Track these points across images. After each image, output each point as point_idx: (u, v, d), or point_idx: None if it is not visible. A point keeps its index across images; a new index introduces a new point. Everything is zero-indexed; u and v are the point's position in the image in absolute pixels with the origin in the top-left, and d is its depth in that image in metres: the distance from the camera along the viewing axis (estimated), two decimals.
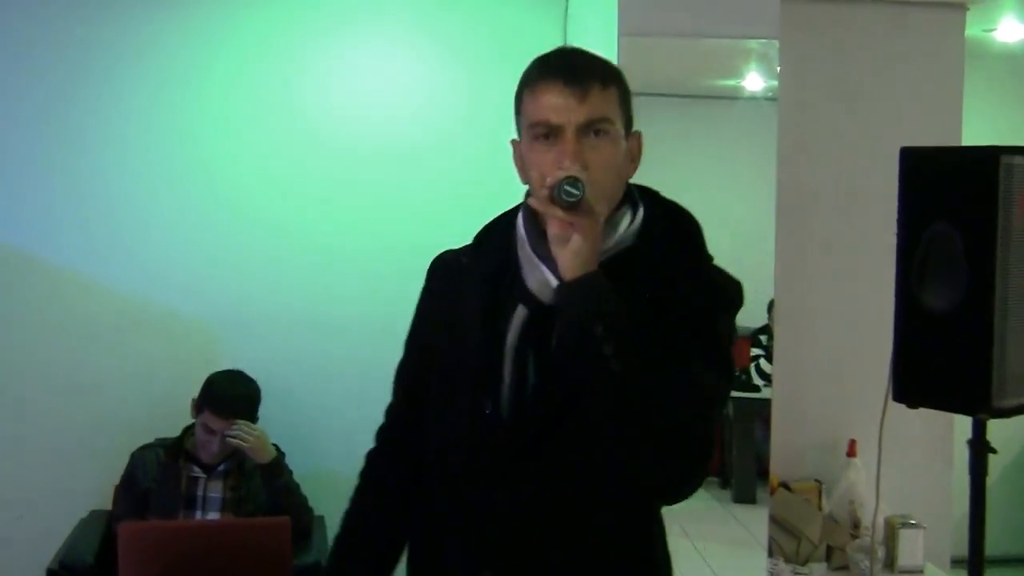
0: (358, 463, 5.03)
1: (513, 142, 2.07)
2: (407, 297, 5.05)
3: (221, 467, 4.33)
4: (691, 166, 4.56)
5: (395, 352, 4.88)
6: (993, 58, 6.25)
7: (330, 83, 4.90)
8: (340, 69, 4.91)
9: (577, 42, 4.79)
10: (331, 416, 4.89)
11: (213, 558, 3.54)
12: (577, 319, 1.82)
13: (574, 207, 1.83)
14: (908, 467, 4.44)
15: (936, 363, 2.41)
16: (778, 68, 4.16)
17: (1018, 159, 2.33)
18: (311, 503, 4.47)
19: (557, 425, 1.92)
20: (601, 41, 4.23)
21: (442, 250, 2.24)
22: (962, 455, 2.58)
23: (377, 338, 4.92)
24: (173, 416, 4.48)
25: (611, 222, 1.95)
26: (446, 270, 2.18)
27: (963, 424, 2.56)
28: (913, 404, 2.50)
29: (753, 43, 4.12)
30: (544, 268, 1.94)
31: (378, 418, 4.89)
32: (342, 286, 4.91)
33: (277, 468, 4.33)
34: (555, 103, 1.92)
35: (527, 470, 1.95)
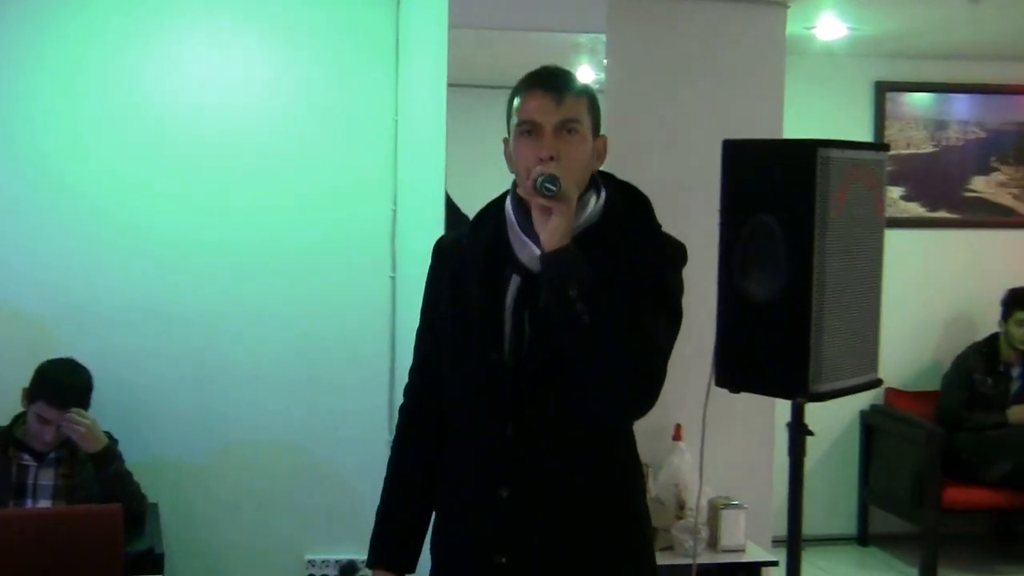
0: (193, 451, 4.99)
1: (504, 140, 2.51)
2: (240, 291, 5.01)
3: (52, 455, 4.23)
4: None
5: (229, 343, 4.83)
6: (813, 55, 6.44)
7: (171, 74, 4.83)
8: (181, 61, 4.84)
9: (408, 34, 4.78)
10: (165, 405, 4.83)
11: (43, 547, 3.46)
12: (555, 283, 2.29)
13: (552, 197, 2.29)
14: (731, 450, 4.55)
15: (757, 349, 2.46)
16: (605, 62, 4.21)
17: (835, 152, 2.39)
18: (145, 491, 4.40)
19: (550, 368, 2.40)
20: (432, 33, 4.22)
21: (442, 237, 2.72)
22: (782, 438, 2.64)
23: (210, 330, 4.87)
24: (1, 405, 4.38)
25: (580, 203, 2.41)
26: (447, 251, 2.63)
27: (783, 408, 2.63)
28: (735, 389, 2.54)
29: (582, 37, 4.17)
30: (531, 244, 2.41)
31: (211, 405, 4.84)
32: (178, 278, 4.84)
33: (108, 456, 4.25)
34: (537, 106, 2.41)
35: (529, 405, 2.43)
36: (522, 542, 2.47)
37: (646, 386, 2.35)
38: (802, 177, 2.36)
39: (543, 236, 2.32)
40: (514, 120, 2.46)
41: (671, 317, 2.44)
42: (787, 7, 4.64)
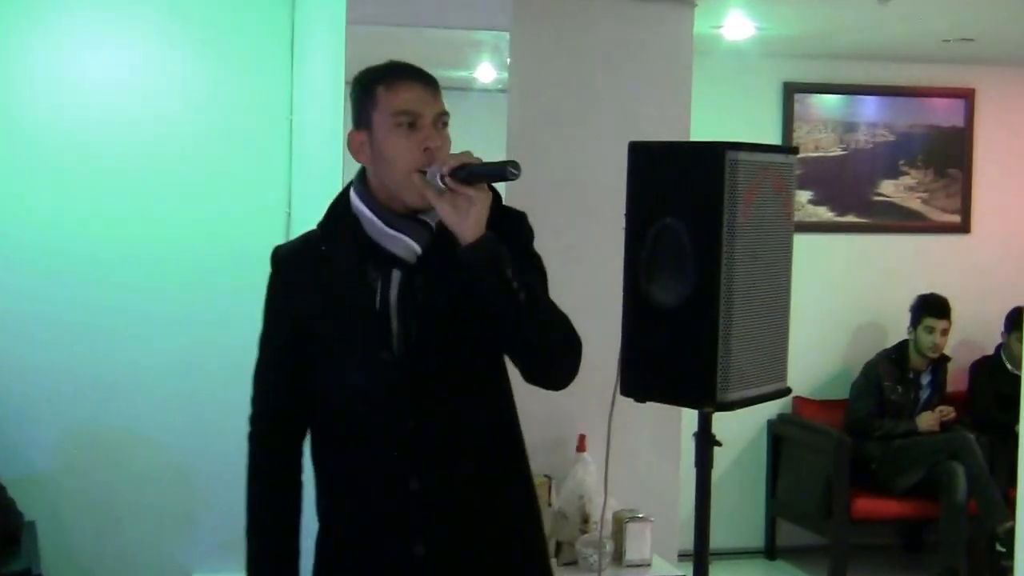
0: (72, 465, 4.88)
1: (352, 132, 2.56)
2: (123, 300, 4.91)
3: None
4: None
5: (110, 352, 4.73)
6: (720, 55, 6.51)
7: (48, 75, 4.72)
8: (57, 61, 4.73)
9: (305, 30, 4.75)
10: (42, 417, 4.73)
11: None
12: (493, 268, 2.37)
13: (470, 183, 2.37)
14: (637, 461, 4.58)
15: (663, 357, 2.47)
16: (508, 60, 4.22)
17: (743, 154, 2.41)
18: (22, 508, 4.31)
19: (443, 362, 2.52)
20: (329, 30, 4.19)
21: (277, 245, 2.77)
22: (689, 448, 2.66)
23: (91, 339, 4.78)
24: None
25: None
26: (297, 259, 2.66)
27: (690, 418, 2.65)
28: (641, 398, 2.55)
29: (485, 34, 4.17)
30: (406, 237, 2.50)
31: (91, 417, 4.72)
32: (55, 286, 4.73)
33: None
34: (416, 97, 2.47)
35: (428, 401, 2.52)
36: (434, 536, 2.54)
37: (578, 343, 2.54)
38: (709, 180, 2.38)
39: (464, 227, 2.38)
40: (381, 110, 2.50)
41: (545, 281, 2.61)
42: (694, 5, 4.68)
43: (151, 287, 4.84)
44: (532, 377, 2.56)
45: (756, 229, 2.45)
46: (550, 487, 4.35)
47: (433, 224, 2.51)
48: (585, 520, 4.35)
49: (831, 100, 7.08)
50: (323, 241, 2.62)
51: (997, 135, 7.23)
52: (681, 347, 2.44)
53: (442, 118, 2.51)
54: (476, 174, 2.40)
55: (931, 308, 6.70)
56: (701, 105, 4.91)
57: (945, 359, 6.81)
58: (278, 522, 2.67)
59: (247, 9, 4.89)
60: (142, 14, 4.82)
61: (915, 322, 6.74)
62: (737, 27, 5.86)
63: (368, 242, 2.55)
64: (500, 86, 4.24)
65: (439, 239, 2.50)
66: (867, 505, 6.44)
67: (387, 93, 2.50)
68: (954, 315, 6.75)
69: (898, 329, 6.86)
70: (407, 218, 2.53)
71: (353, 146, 2.57)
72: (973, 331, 7.15)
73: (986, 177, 7.28)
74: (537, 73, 4.51)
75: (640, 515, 4.33)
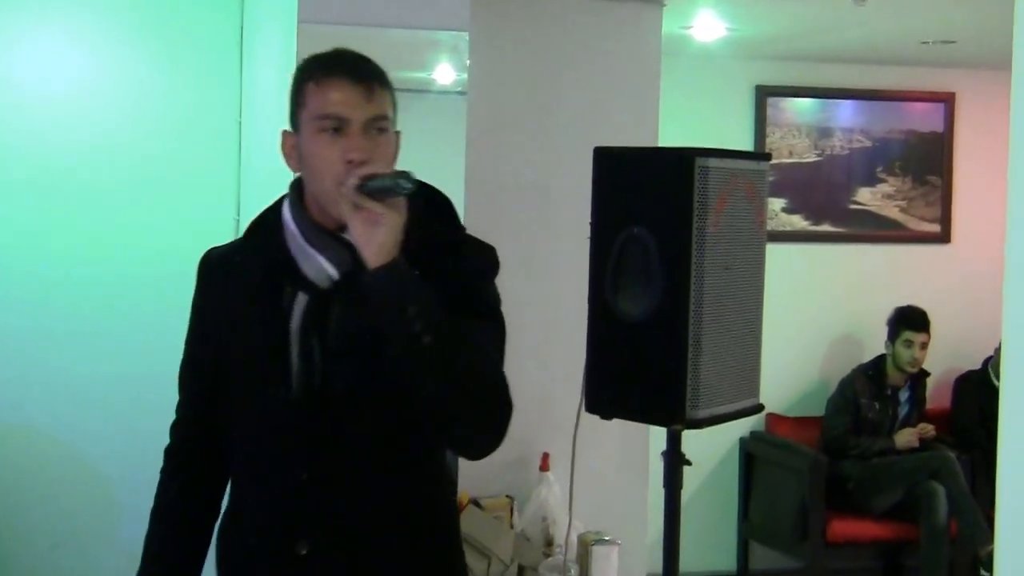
0: (1, 486, 4.80)
1: (285, 132, 2.37)
2: (67, 308, 4.87)
3: None
4: None
5: (46, 364, 4.70)
6: (690, 57, 6.53)
7: None
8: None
9: (254, 29, 4.74)
10: None
11: None
12: (392, 302, 2.12)
13: (382, 198, 2.14)
14: (603, 481, 4.58)
15: (630, 372, 2.48)
16: (468, 62, 4.23)
17: (713, 161, 2.42)
18: None
19: (348, 401, 2.28)
20: (279, 28, 4.19)
21: (208, 248, 2.56)
22: (657, 468, 2.66)
23: (26, 350, 4.75)
24: None
25: None
26: (218, 267, 2.48)
27: (659, 436, 2.65)
28: (607, 415, 2.56)
29: (443, 34, 4.17)
30: (320, 258, 2.30)
31: (21, 433, 4.70)
32: None
33: None
34: (344, 99, 2.24)
35: (325, 447, 2.30)
36: None
37: (504, 409, 2.23)
38: (678, 188, 2.39)
39: (369, 249, 2.15)
40: (308, 112, 2.30)
41: (497, 328, 2.34)
42: (663, 5, 4.69)
43: (97, 295, 4.82)
44: (437, 440, 2.38)
45: (727, 239, 2.46)
46: (512, 508, 4.34)
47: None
48: (549, 543, 4.35)
49: (805, 104, 7.11)
50: (242, 251, 2.45)
51: (978, 141, 7.27)
52: (648, 362, 2.44)
53: (376, 123, 2.26)
54: (372, 189, 2.17)
55: (909, 321, 6.74)
56: (670, 109, 4.93)
57: (924, 374, 6.84)
58: (179, 513, 2.55)
59: (193, 9, 4.88)
60: (84, 13, 4.80)
61: (893, 336, 6.77)
62: (707, 28, 5.88)
63: (287, 258, 2.35)
64: (459, 88, 4.24)
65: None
66: (844, 527, 6.46)
67: (315, 92, 2.29)
68: (934, 329, 6.79)
69: (875, 343, 6.89)
70: (329, 235, 2.31)
71: (284, 149, 2.38)
72: (954, 345, 7.18)
73: (967, 185, 7.33)
74: (497, 75, 4.51)
75: (606, 538, 4.32)
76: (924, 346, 6.73)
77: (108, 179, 4.84)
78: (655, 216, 2.43)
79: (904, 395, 6.80)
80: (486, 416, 2.23)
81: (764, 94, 7.00)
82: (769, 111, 7.01)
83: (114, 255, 4.85)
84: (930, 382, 6.92)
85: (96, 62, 4.83)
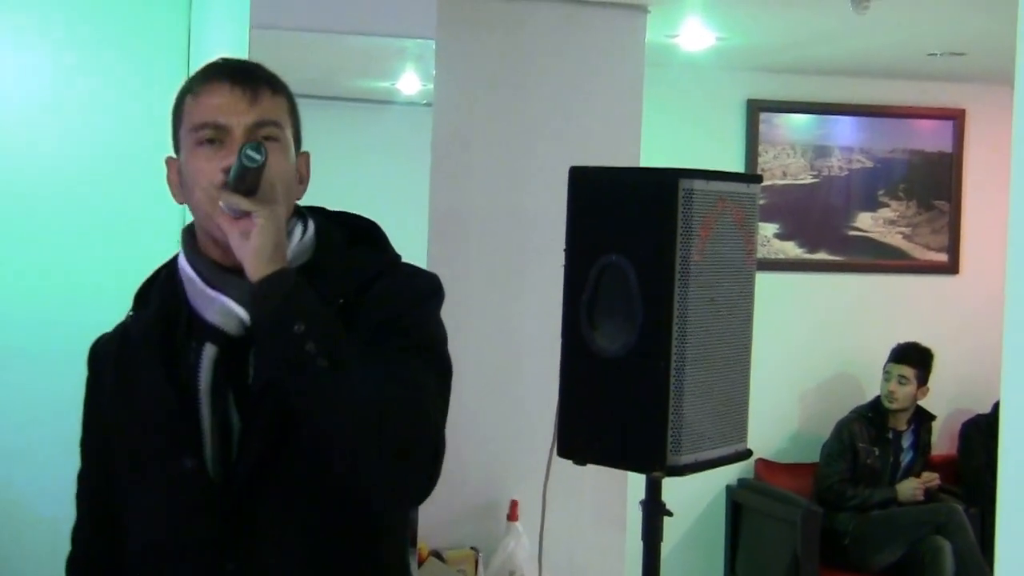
0: None
1: (169, 160, 2.24)
2: None
3: None
4: (336, 176, 4.57)
5: None
6: (676, 68, 6.57)
7: None
8: None
9: (203, 34, 4.76)
10: None
11: None
12: (275, 319, 1.97)
13: (254, 184, 2.01)
14: (576, 532, 4.59)
15: (606, 414, 2.48)
16: (434, 72, 4.25)
17: (699, 183, 2.44)
18: None
19: (275, 470, 2.08)
20: (230, 34, 4.20)
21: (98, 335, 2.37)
22: (636, 518, 2.68)
23: None
24: None
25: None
26: (108, 350, 2.30)
27: (637, 483, 2.67)
28: (581, 460, 2.56)
29: (407, 42, 4.19)
30: (224, 298, 2.11)
31: None
32: None
33: None
34: (222, 104, 2.10)
35: (254, 530, 2.10)
36: None
37: (424, 451, 2.04)
38: (661, 212, 2.41)
39: (246, 259, 2.02)
40: (185, 126, 2.18)
41: (430, 362, 2.15)
42: (647, 11, 4.73)
43: (28, 323, 4.83)
44: (342, 488, 2.09)
45: (714, 268, 2.48)
46: (477, 561, 4.35)
47: None
48: None
49: (801, 120, 7.16)
50: (134, 321, 2.29)
51: (990, 162, 7.30)
52: (626, 402, 2.45)
53: (262, 130, 2.10)
54: (232, 179, 2.04)
55: (893, 353, 6.77)
56: (653, 125, 4.96)
57: (929, 417, 6.87)
58: None
59: (139, 14, 4.90)
60: (22, 16, 4.82)
61: (888, 373, 6.81)
62: (695, 37, 5.92)
63: (188, 309, 2.18)
64: (425, 99, 4.26)
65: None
66: None
67: (192, 103, 2.17)
68: (940, 368, 6.82)
69: (875, 383, 6.92)
70: (233, 273, 2.11)
71: (169, 178, 2.25)
72: (962, 386, 7.23)
73: (977, 210, 7.37)
74: (466, 86, 4.53)
75: None
76: (904, 380, 6.73)
77: (48, 191, 4.84)
78: (635, 243, 2.45)
79: (907, 440, 6.83)
80: (398, 459, 2.00)
81: (756, 109, 7.04)
82: (761, 128, 7.06)
83: (53, 272, 4.86)
84: (936, 426, 6.95)
85: (36, 68, 4.84)
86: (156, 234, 4.90)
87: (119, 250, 4.89)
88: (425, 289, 2.24)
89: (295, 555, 2.13)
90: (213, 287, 2.14)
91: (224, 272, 2.14)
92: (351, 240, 2.26)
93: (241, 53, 3.95)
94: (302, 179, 2.24)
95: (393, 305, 2.15)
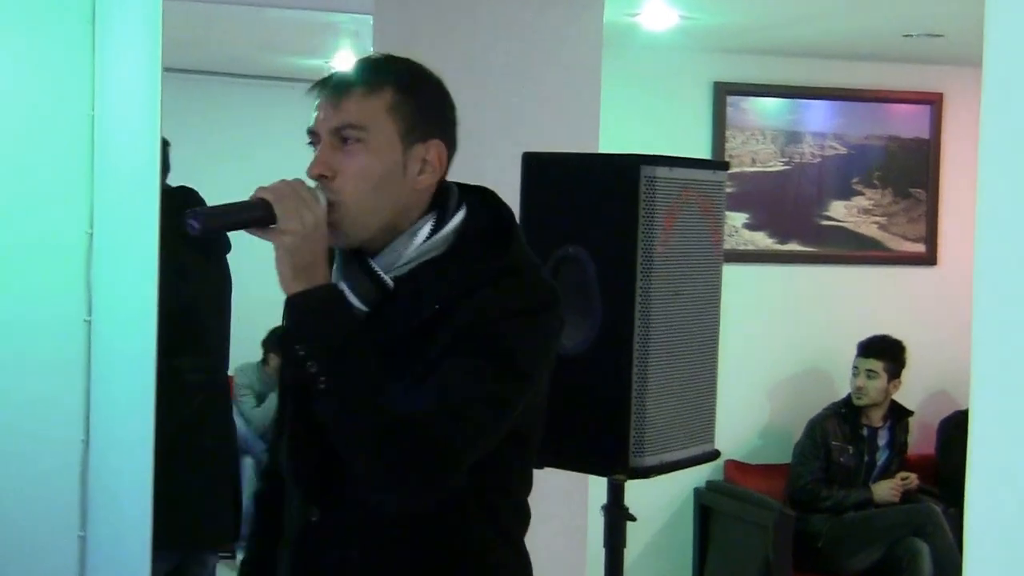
0: None
1: None
2: None
3: None
4: (266, 159, 4.55)
5: None
6: (637, 49, 6.57)
7: None
8: None
9: (109, 10, 4.68)
10: None
11: None
12: (285, 339, 2.34)
13: (255, 220, 2.27)
14: (534, 540, 4.58)
15: (565, 414, 2.47)
16: (371, 49, 4.23)
17: (662, 170, 2.44)
18: None
19: (316, 465, 2.41)
20: (141, 8, 4.15)
21: None
22: (597, 523, 2.67)
23: None
24: None
25: (409, 233, 2.38)
26: None
27: (599, 487, 2.66)
28: (538, 464, 2.56)
29: (342, 17, 4.17)
30: (347, 291, 2.36)
31: None
32: None
33: None
34: (317, 112, 2.39)
35: (322, 523, 2.42)
36: None
37: (418, 471, 2.29)
38: (621, 200, 2.41)
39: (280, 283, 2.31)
40: None
41: (491, 377, 2.30)
42: None
43: None
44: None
45: (678, 260, 2.48)
46: None
47: (382, 272, 2.37)
48: None
49: (771, 105, 7.18)
50: None
51: (969, 149, 7.32)
52: (586, 402, 2.45)
53: (341, 132, 2.36)
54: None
55: (860, 347, 6.80)
56: (613, 110, 4.96)
57: (905, 413, 6.89)
58: None
59: None
60: None
61: (856, 367, 6.83)
62: (658, 15, 5.92)
63: None
64: None
65: (399, 297, 2.36)
66: None
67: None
68: (916, 363, 6.84)
69: (849, 380, 6.92)
70: (356, 261, 2.43)
71: None
72: (940, 382, 7.27)
73: (956, 199, 7.40)
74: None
75: None
76: (872, 374, 6.73)
77: None
78: (594, 234, 2.45)
79: (883, 438, 6.84)
80: (394, 473, 2.28)
81: (723, 92, 7.05)
82: (729, 112, 7.06)
83: None
84: (913, 423, 6.97)
85: None
86: (54, 222, 4.85)
87: (11, 240, 4.82)
88: (517, 304, 2.34)
89: (364, 548, 2.41)
90: (344, 277, 2.40)
91: (351, 258, 2.41)
92: (486, 236, 2.41)
93: (153, 26, 3.88)
94: (423, 169, 2.43)
95: (477, 316, 2.30)
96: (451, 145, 2.54)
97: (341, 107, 2.36)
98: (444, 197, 2.46)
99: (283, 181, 2.31)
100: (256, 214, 2.26)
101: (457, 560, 2.45)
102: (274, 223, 2.26)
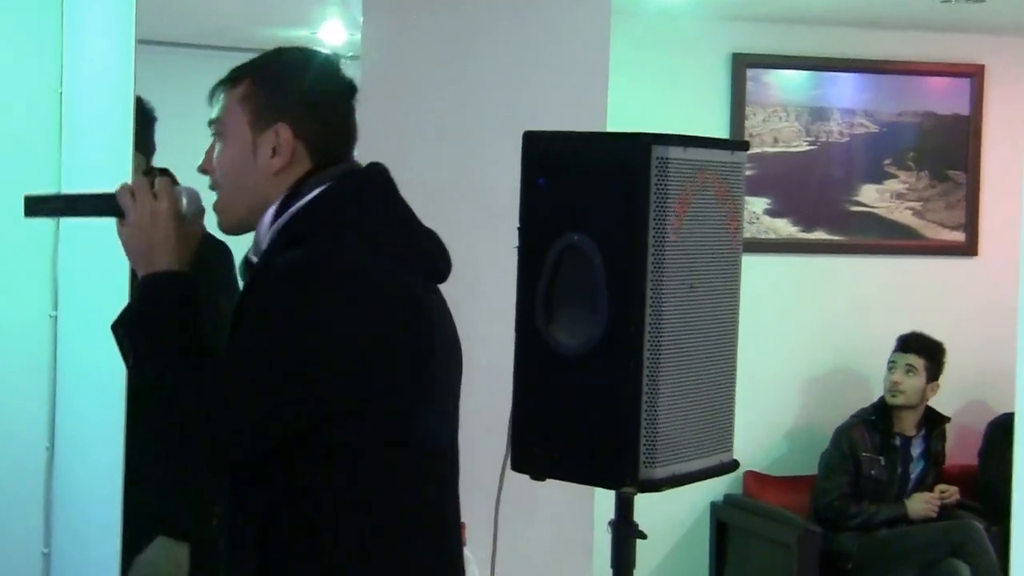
0: None
1: None
2: None
3: None
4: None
5: None
6: (649, 17, 6.57)
7: None
8: None
9: None
10: None
11: None
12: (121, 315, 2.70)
13: (95, 211, 2.78)
14: (534, 559, 4.59)
15: (568, 421, 2.48)
16: (361, 20, 4.22)
17: (675, 150, 2.43)
18: None
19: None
20: None
21: None
22: (604, 541, 2.68)
23: None
24: None
25: (265, 217, 2.68)
26: None
27: (606, 501, 2.66)
28: (538, 475, 2.56)
29: None
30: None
31: None
32: None
33: None
34: None
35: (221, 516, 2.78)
36: None
37: (177, 442, 2.59)
38: (630, 184, 2.40)
39: None
40: None
41: (243, 336, 2.60)
42: None
43: None
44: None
45: (692, 250, 2.48)
46: None
47: (252, 255, 2.73)
48: None
49: (795, 78, 7.18)
50: None
51: (1013, 126, 7.32)
52: (592, 407, 2.45)
53: (211, 128, 2.76)
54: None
55: (899, 341, 6.78)
56: (622, 84, 4.96)
57: (941, 420, 6.88)
58: None
59: None
60: None
61: (892, 365, 6.81)
62: None
63: None
64: (351, 51, 4.25)
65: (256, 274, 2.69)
66: None
67: None
68: (956, 363, 6.84)
69: (881, 383, 6.91)
70: None
71: None
72: (981, 384, 7.26)
73: (998, 182, 7.39)
74: (401, 36, 4.51)
75: None
76: (912, 370, 6.72)
77: None
78: (600, 220, 2.44)
79: (917, 447, 6.84)
80: (172, 440, 2.61)
81: (742, 65, 7.06)
82: (749, 87, 7.07)
83: None
84: (950, 430, 6.96)
85: None
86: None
87: None
88: (289, 269, 2.57)
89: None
90: None
91: None
92: (317, 214, 2.68)
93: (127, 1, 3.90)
94: (274, 154, 2.67)
95: (258, 288, 2.64)
96: (306, 127, 2.70)
97: (212, 104, 2.75)
98: (303, 181, 2.69)
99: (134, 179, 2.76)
100: (99, 204, 2.71)
101: None
102: (122, 216, 2.66)
